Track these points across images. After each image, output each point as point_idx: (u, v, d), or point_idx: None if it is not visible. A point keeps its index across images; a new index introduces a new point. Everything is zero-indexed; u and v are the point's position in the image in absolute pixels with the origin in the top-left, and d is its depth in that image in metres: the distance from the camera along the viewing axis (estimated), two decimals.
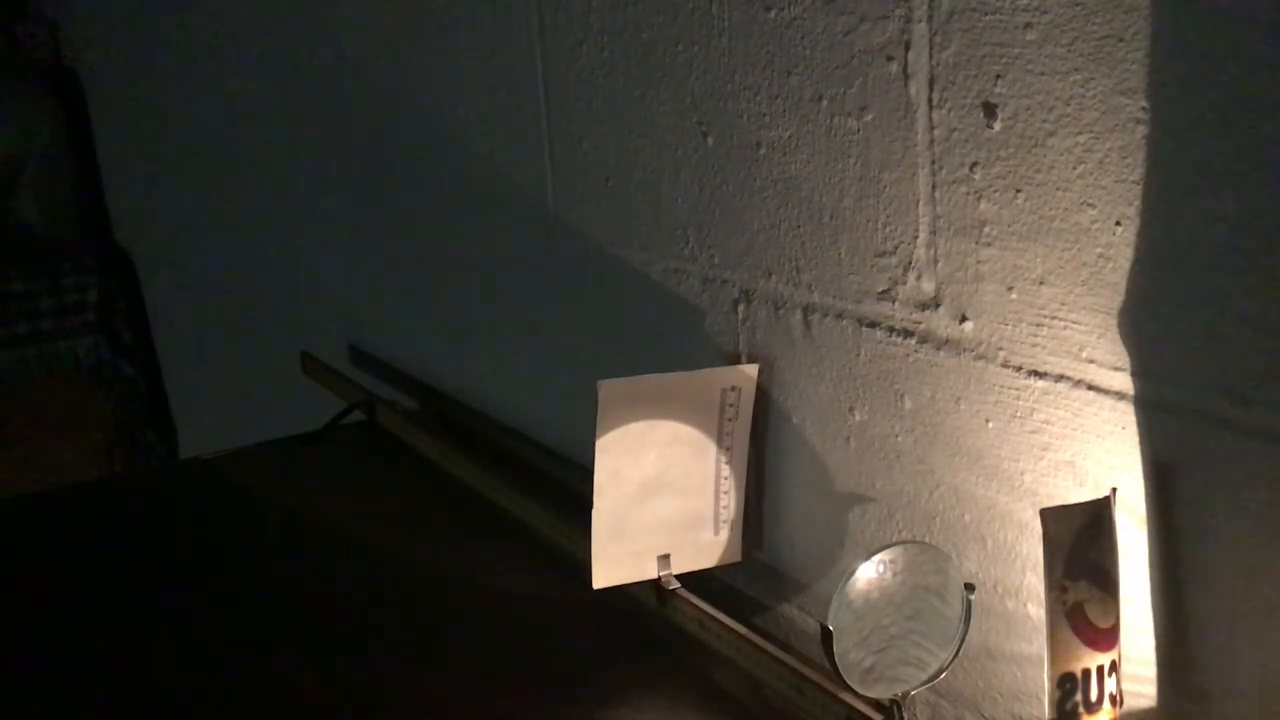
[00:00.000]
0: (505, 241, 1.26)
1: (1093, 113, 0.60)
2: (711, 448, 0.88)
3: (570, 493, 1.09)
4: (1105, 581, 0.61)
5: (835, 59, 0.76)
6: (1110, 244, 0.61)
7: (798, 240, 0.83)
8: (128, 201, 2.91)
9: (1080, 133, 0.61)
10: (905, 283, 0.75)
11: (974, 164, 0.68)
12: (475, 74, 1.23)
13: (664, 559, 0.89)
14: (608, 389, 0.83)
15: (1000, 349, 0.69)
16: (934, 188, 0.71)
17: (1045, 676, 0.60)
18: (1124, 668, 0.62)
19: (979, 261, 0.69)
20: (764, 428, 0.89)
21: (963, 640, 0.68)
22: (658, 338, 1.02)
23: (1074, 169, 0.62)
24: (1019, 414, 0.68)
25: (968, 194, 0.69)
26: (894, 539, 0.79)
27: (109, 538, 1.23)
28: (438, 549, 1.14)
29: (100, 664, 0.98)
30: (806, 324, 0.84)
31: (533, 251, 1.20)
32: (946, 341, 0.73)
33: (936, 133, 0.70)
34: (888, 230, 0.75)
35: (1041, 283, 0.65)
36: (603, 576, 0.88)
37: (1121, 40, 0.58)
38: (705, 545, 0.90)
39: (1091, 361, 0.63)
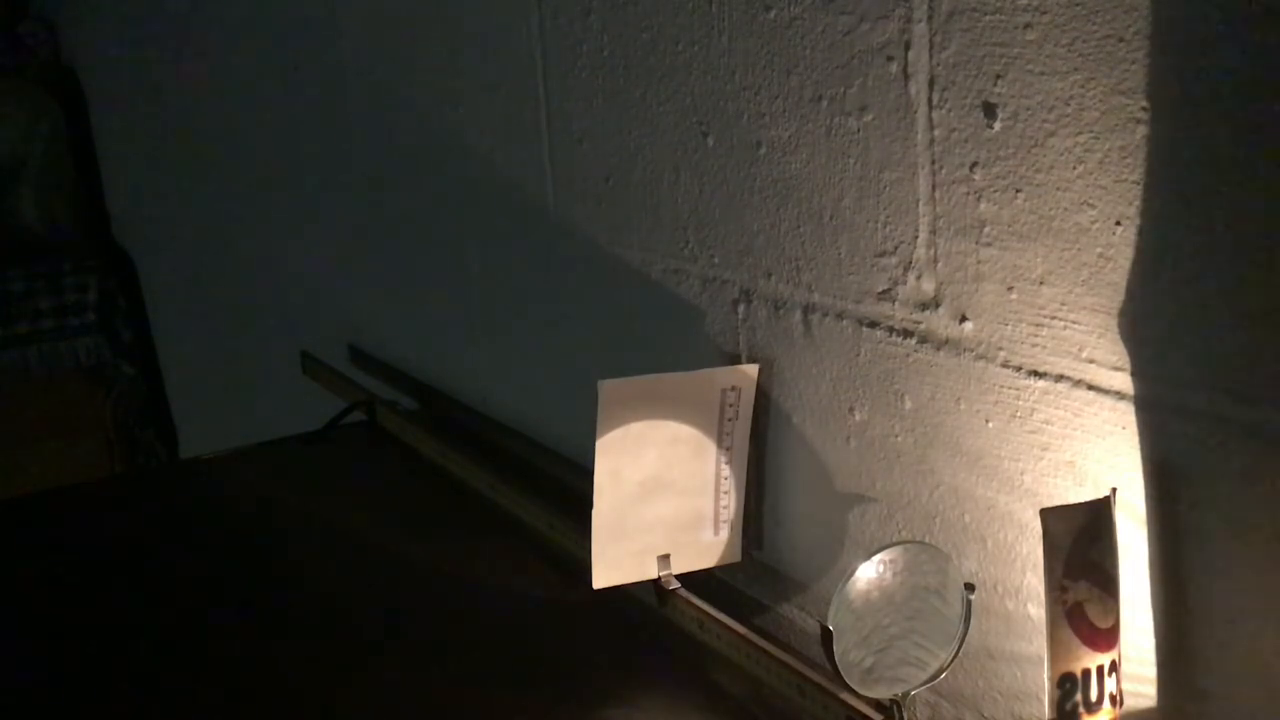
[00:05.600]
0: (505, 241, 1.26)
1: (1093, 113, 0.60)
2: (711, 448, 0.88)
3: (570, 493, 1.08)
4: (1105, 581, 0.61)
5: (835, 59, 0.76)
6: (1110, 244, 0.61)
7: (798, 240, 0.83)
8: (128, 201, 2.91)
9: (1080, 133, 0.61)
10: (905, 283, 0.75)
11: (974, 164, 0.68)
12: (475, 74, 1.23)
13: (664, 559, 0.89)
14: (608, 389, 0.83)
15: (1000, 349, 0.69)
16: (934, 188, 0.71)
17: (1045, 676, 0.60)
18: (1124, 668, 0.62)
19: (979, 261, 0.69)
20: (764, 428, 0.89)
21: (963, 640, 0.68)
22: (658, 338, 1.02)
23: (1074, 169, 0.62)
24: (1019, 414, 0.68)
25: (968, 194, 0.69)
26: (894, 539, 0.79)
27: (109, 538, 1.23)
28: (438, 549, 1.14)
29: (100, 663, 0.98)
30: (806, 324, 0.84)
31: (533, 251, 1.20)
32: (946, 341, 0.73)
33: (936, 133, 0.70)
34: (888, 230, 0.75)
35: (1041, 283, 0.65)
36: (603, 576, 0.88)
37: (1121, 40, 0.58)
38: (705, 545, 0.90)
39: (1091, 361, 0.63)
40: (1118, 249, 0.60)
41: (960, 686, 0.76)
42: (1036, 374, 0.67)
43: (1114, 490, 0.62)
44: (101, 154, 3.00)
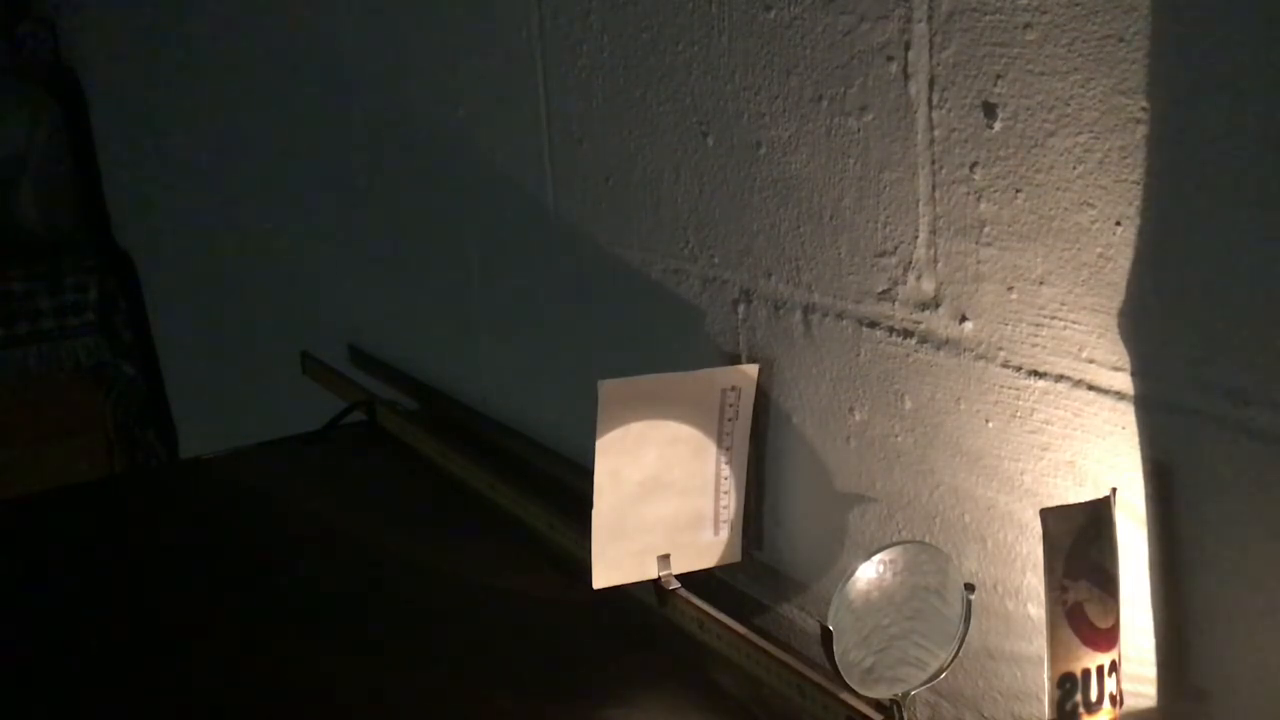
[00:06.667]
0: (505, 241, 1.26)
1: (1093, 113, 0.60)
2: (711, 448, 0.88)
3: (570, 493, 1.08)
4: (1105, 581, 0.61)
5: (835, 59, 0.76)
6: (1110, 244, 0.61)
7: (798, 240, 0.83)
8: (128, 201, 2.91)
9: (1080, 133, 0.61)
10: (905, 283, 0.75)
11: (974, 164, 0.68)
12: (475, 74, 1.23)
13: (664, 559, 0.89)
14: (608, 389, 0.83)
15: (1000, 349, 0.69)
16: (934, 188, 0.71)
17: (1045, 676, 0.60)
18: (1124, 668, 0.62)
19: (979, 261, 0.69)
20: (764, 428, 0.89)
21: (963, 640, 0.68)
22: (658, 338, 1.02)
23: (1074, 169, 0.62)
24: (1019, 414, 0.68)
25: (968, 194, 0.69)
26: (894, 539, 0.79)
27: (109, 538, 1.23)
28: (438, 549, 1.14)
29: (100, 664, 0.98)
30: (806, 324, 0.84)
31: (533, 251, 1.20)
32: (946, 341, 0.73)
33: (936, 133, 0.70)
34: (888, 230, 0.75)
35: (1041, 283, 0.65)
36: (603, 576, 0.88)
37: (1121, 40, 0.58)
38: (705, 545, 0.90)
39: (1091, 361, 0.63)
40: (1118, 249, 0.60)
41: (960, 686, 0.76)
42: (1036, 374, 0.67)
43: (1114, 490, 0.62)
44: (101, 154, 3.00)
